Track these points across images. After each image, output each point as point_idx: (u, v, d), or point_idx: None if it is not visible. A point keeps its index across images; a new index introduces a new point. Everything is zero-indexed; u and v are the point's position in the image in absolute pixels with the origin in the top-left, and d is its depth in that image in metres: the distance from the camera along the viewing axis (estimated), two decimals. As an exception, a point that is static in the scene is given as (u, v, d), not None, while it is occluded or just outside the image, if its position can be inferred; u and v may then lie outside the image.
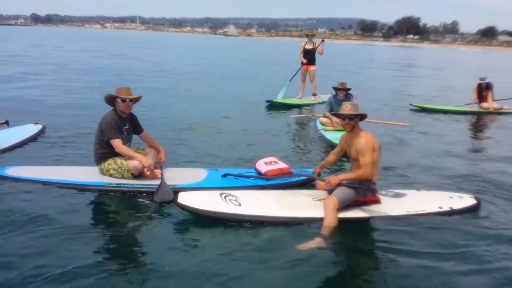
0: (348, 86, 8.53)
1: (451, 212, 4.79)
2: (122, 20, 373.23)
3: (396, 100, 14.92)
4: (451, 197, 5.08)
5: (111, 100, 5.43)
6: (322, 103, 11.97)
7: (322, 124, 8.71)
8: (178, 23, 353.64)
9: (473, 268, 3.77)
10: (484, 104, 12.55)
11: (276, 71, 23.92)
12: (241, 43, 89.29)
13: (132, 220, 4.60)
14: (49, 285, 3.32)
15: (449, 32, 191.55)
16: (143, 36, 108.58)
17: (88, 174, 5.43)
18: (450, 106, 13.06)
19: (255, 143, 7.91)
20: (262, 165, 5.56)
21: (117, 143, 5.28)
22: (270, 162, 5.60)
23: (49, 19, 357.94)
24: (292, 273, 3.64)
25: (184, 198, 4.58)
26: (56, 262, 3.60)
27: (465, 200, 5.02)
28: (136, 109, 5.70)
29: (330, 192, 4.71)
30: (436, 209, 4.80)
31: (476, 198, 5.10)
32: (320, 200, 4.79)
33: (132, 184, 5.22)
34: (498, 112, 12.38)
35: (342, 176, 4.61)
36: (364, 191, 4.66)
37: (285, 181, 5.44)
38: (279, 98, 12.67)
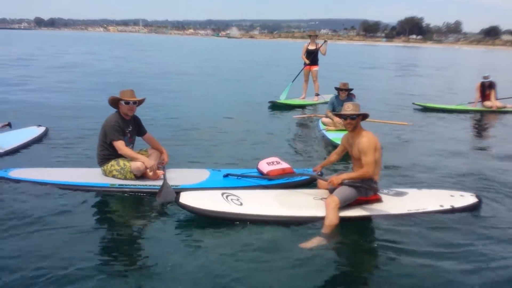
0: (350, 87, 8.54)
1: (453, 211, 4.79)
2: (125, 23, 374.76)
3: (399, 99, 14.92)
4: (452, 196, 5.07)
5: (114, 102, 5.47)
6: (325, 103, 11.97)
7: (324, 124, 8.72)
8: (181, 26, 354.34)
9: (474, 267, 3.75)
10: (487, 103, 12.52)
11: (279, 72, 23.93)
12: (243, 45, 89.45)
13: (135, 220, 4.63)
14: (52, 285, 3.33)
15: (452, 32, 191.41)
16: (146, 39, 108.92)
17: (91, 175, 5.46)
18: (453, 105, 13.04)
19: (257, 144, 7.92)
20: (265, 165, 5.57)
21: (119, 145, 5.31)
22: (273, 162, 5.62)
23: (53, 23, 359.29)
24: (294, 272, 3.64)
25: (186, 198, 4.60)
26: (59, 263, 3.61)
27: (467, 199, 5.02)
28: (139, 110, 5.72)
29: (331, 191, 4.71)
30: (437, 208, 4.79)
31: (477, 196, 5.09)
32: (321, 199, 4.80)
33: (135, 185, 5.24)
34: (501, 111, 12.35)
35: (344, 176, 4.62)
36: (365, 190, 4.66)
37: (288, 181, 5.44)
38: (282, 99, 12.69)
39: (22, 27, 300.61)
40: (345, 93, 8.49)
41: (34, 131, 7.64)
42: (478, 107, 12.64)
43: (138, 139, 5.83)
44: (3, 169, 5.61)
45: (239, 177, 5.48)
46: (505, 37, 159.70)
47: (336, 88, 8.64)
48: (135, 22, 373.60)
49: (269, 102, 12.45)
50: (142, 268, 3.69)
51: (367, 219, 4.62)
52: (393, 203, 4.78)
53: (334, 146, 7.49)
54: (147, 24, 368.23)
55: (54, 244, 3.94)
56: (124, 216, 4.76)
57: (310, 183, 5.51)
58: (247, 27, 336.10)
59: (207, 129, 9.07)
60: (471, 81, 16.79)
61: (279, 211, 4.57)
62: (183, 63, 30.69)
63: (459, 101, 13.32)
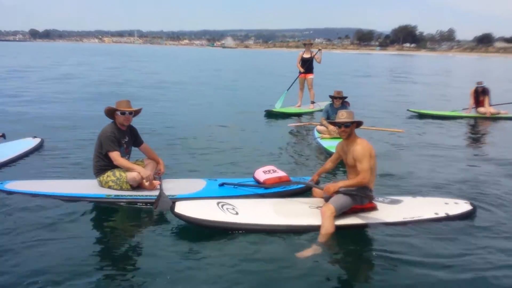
0: (344, 95, 8.59)
1: (447, 218, 4.80)
2: (120, 34, 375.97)
3: (393, 106, 15.01)
4: (446, 203, 5.09)
5: (110, 112, 5.47)
6: (320, 110, 12.01)
7: (319, 132, 8.75)
8: (176, 36, 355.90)
9: (469, 275, 3.75)
10: (481, 109, 12.61)
11: (274, 81, 24.04)
12: (238, 55, 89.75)
13: (131, 231, 4.62)
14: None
15: (445, 39, 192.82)
16: (141, 50, 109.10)
17: (87, 186, 5.45)
18: (447, 111, 13.12)
19: (253, 152, 7.93)
20: (261, 174, 5.59)
21: (115, 156, 5.30)
22: (269, 171, 5.63)
23: (48, 34, 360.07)
24: (291, 282, 3.64)
25: (181, 208, 4.59)
26: (55, 275, 3.60)
27: (461, 206, 5.03)
28: (135, 120, 5.72)
29: (327, 199, 4.72)
30: (432, 215, 4.80)
31: (471, 204, 5.10)
32: (317, 208, 4.80)
33: (131, 196, 5.24)
34: (495, 117, 12.43)
35: (340, 184, 4.64)
36: (360, 198, 4.67)
37: (284, 189, 5.45)
38: (277, 107, 12.76)
39: (17, 39, 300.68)
40: (339, 101, 8.53)
41: (29, 143, 7.61)
42: (472, 113, 12.73)
43: (134, 149, 5.83)
44: (-1, 181, 5.60)
45: (235, 186, 5.48)
46: (498, 44, 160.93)
47: (330, 96, 8.69)
48: (130, 33, 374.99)
49: (265, 111, 12.48)
50: (137, 277, 3.67)
51: (362, 228, 4.62)
52: (388, 211, 4.79)
53: (329, 154, 7.52)
54: (142, 35, 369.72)
55: (50, 255, 3.93)
56: (120, 227, 4.74)
57: (305, 191, 5.51)
58: (242, 37, 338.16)
59: (203, 138, 9.07)
60: (465, 88, 16.91)
61: (274, 220, 4.58)
62: (178, 73, 30.76)
63: (453, 108, 13.40)
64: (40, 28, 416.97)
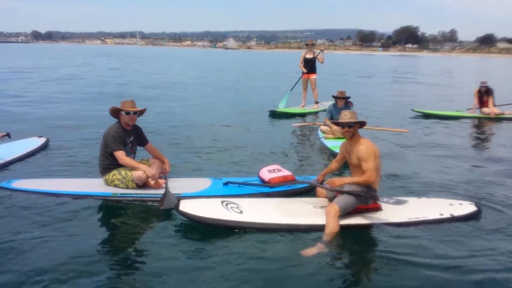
0: (347, 95, 8.59)
1: (452, 219, 4.78)
2: (122, 35, 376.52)
3: (397, 106, 15.03)
4: (451, 204, 5.07)
5: (115, 112, 5.51)
6: (325, 110, 12.06)
7: (323, 132, 8.76)
8: (178, 38, 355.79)
9: (473, 276, 3.74)
10: (485, 110, 12.57)
11: (277, 81, 24.07)
12: (241, 56, 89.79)
13: (136, 229, 4.64)
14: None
15: (447, 40, 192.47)
16: (143, 51, 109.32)
17: (93, 185, 5.49)
18: (451, 111, 13.11)
19: (257, 152, 7.95)
20: (266, 173, 5.60)
21: (120, 155, 5.33)
22: (274, 170, 5.65)
23: (50, 36, 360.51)
24: (295, 280, 3.65)
25: (186, 206, 4.62)
26: (61, 272, 3.62)
27: (466, 207, 5.01)
28: (140, 120, 5.75)
29: (331, 199, 4.73)
30: (437, 216, 4.79)
31: (476, 205, 5.09)
32: (321, 207, 4.80)
33: (137, 194, 5.27)
34: (499, 118, 12.38)
35: (346, 180, 4.64)
36: (365, 198, 4.67)
37: (288, 189, 5.46)
38: (281, 108, 12.77)
39: (20, 41, 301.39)
40: (342, 101, 8.53)
41: (35, 142, 7.66)
42: (477, 113, 12.69)
43: (140, 149, 5.86)
44: (6, 180, 5.64)
45: (240, 185, 5.50)
46: (501, 45, 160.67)
47: (334, 97, 8.69)
48: (132, 35, 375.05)
49: (269, 111, 12.49)
50: (142, 275, 3.70)
51: (367, 228, 4.61)
52: (393, 212, 4.78)
53: (333, 154, 7.54)
54: (144, 36, 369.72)
55: (56, 253, 3.95)
56: (127, 225, 4.76)
57: (310, 191, 5.52)
58: (244, 38, 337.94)
59: (207, 138, 9.12)
60: (468, 88, 16.90)
61: (278, 219, 4.58)
62: (181, 74, 30.78)
63: (457, 108, 13.39)
64: (43, 30, 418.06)
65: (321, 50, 13.22)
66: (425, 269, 3.84)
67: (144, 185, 5.40)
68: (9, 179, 5.64)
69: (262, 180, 5.59)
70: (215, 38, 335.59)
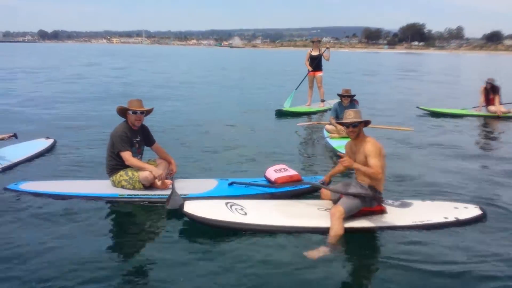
0: (352, 93, 8.57)
1: (457, 223, 4.74)
2: (128, 34, 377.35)
3: (402, 104, 15.00)
4: (456, 208, 5.04)
5: (122, 112, 5.52)
6: (331, 109, 12.07)
7: (328, 131, 8.74)
8: (183, 36, 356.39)
9: (478, 280, 3.72)
10: (491, 108, 12.45)
11: (283, 80, 24.06)
12: (246, 54, 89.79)
13: (144, 229, 4.67)
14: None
15: (454, 37, 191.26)
16: (149, 50, 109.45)
17: (100, 186, 5.52)
18: (457, 109, 13.05)
19: (263, 152, 7.96)
20: (272, 173, 5.59)
21: (126, 156, 5.35)
22: (280, 169, 5.64)
23: (56, 35, 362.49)
24: (298, 282, 3.66)
25: (190, 207, 4.64)
26: (68, 274, 3.65)
27: (471, 211, 4.97)
28: (146, 119, 5.78)
29: (335, 202, 4.72)
30: (442, 220, 4.75)
31: (481, 208, 5.05)
32: (325, 210, 4.79)
33: (144, 195, 5.30)
34: (506, 116, 12.26)
35: (356, 165, 4.55)
36: (370, 201, 4.64)
37: (294, 189, 5.45)
38: (286, 107, 12.78)
39: (26, 40, 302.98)
40: (347, 99, 8.51)
41: (42, 143, 7.69)
42: (483, 112, 12.58)
43: (146, 149, 5.89)
44: (14, 181, 5.68)
45: (246, 186, 5.51)
46: (507, 42, 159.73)
47: (339, 95, 8.66)
48: (138, 34, 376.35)
49: (276, 110, 12.47)
50: (148, 275, 3.75)
51: (371, 231, 4.59)
52: (397, 215, 4.77)
53: (337, 154, 7.51)
54: (150, 35, 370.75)
55: (64, 254, 3.99)
56: (133, 226, 4.81)
57: (314, 191, 5.51)
58: (249, 36, 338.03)
59: (213, 138, 9.16)
60: (475, 86, 16.79)
61: (283, 221, 4.59)
62: (186, 72, 30.91)
63: (463, 106, 13.32)
64: (49, 29, 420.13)
65: (327, 48, 13.19)
66: (429, 273, 3.81)
67: (150, 186, 5.42)
68: (17, 181, 5.68)
69: (269, 180, 5.59)
70: (220, 37, 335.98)
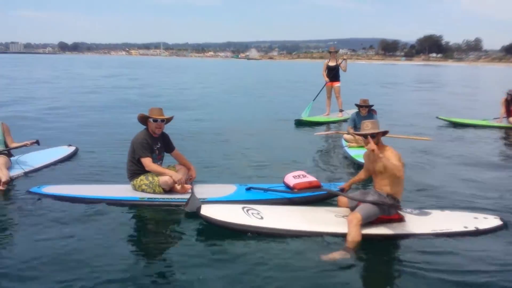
0: (370, 103, 8.57)
1: (477, 233, 4.68)
2: (146, 46, 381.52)
3: (421, 114, 14.92)
4: (475, 218, 4.97)
5: (143, 119, 5.64)
6: (349, 119, 12.05)
7: (346, 140, 8.73)
8: (201, 48, 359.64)
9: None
10: (512, 119, 12.33)
11: (300, 91, 24.15)
12: (263, 66, 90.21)
13: (162, 232, 4.75)
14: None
15: (472, 49, 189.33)
16: (167, 62, 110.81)
17: (121, 190, 5.62)
18: (478, 120, 12.92)
19: (282, 160, 7.99)
20: (291, 179, 5.62)
21: (147, 162, 5.45)
22: (299, 176, 5.66)
23: (76, 47, 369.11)
24: (314, 286, 3.67)
25: (207, 210, 4.70)
26: (89, 275, 3.71)
27: (491, 221, 4.90)
28: (167, 127, 5.87)
29: (353, 209, 4.69)
30: (461, 229, 4.69)
31: (501, 219, 4.98)
32: (343, 217, 4.78)
33: (163, 198, 5.38)
34: None
35: (378, 152, 4.49)
36: (388, 209, 4.62)
37: (311, 195, 5.44)
38: (304, 117, 12.81)
39: (47, 52, 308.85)
40: (365, 109, 8.50)
41: (64, 150, 7.82)
42: (504, 123, 12.40)
43: (166, 155, 5.97)
44: (36, 185, 5.81)
45: (264, 191, 5.55)
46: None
47: (357, 105, 8.67)
48: (156, 46, 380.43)
49: (295, 120, 12.53)
50: (167, 277, 3.80)
51: (389, 238, 4.55)
52: (416, 223, 4.73)
53: (356, 163, 7.52)
54: (168, 47, 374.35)
55: (85, 255, 4.06)
56: (152, 228, 4.89)
57: (331, 198, 5.49)
58: (266, 48, 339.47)
59: (233, 146, 9.29)
60: (495, 97, 16.61)
61: (299, 226, 4.60)
62: (205, 83, 31.23)
63: (483, 117, 13.19)
64: (69, 41, 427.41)
65: (344, 59, 13.26)
66: (446, 282, 3.76)
67: (170, 190, 5.51)
68: (40, 185, 5.81)
69: (287, 186, 5.61)
70: (237, 49, 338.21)
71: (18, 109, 14.46)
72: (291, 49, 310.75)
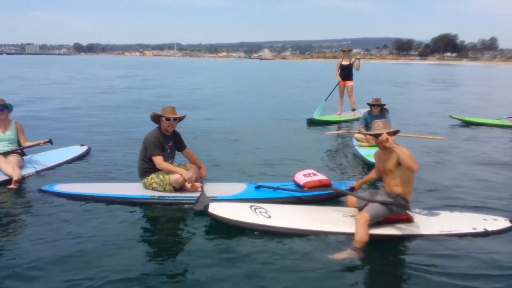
0: (383, 102, 8.50)
1: (486, 234, 4.63)
2: (160, 47, 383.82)
3: (434, 113, 14.83)
4: (485, 219, 4.91)
5: (156, 118, 5.69)
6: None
7: (357, 140, 8.67)
8: (214, 49, 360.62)
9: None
10: (526, 119, 12.15)
11: (312, 90, 24.12)
12: (276, 66, 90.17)
13: (172, 230, 4.79)
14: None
15: (487, 48, 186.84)
16: (181, 62, 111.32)
17: (132, 188, 5.66)
18: (491, 119, 12.78)
19: (292, 159, 7.99)
20: (301, 177, 5.61)
21: (158, 160, 5.50)
22: (309, 174, 5.65)
23: (91, 48, 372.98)
24: (321, 284, 3.67)
25: (215, 208, 4.73)
26: (99, 271, 3.74)
27: (500, 223, 4.85)
28: (179, 126, 5.90)
29: (361, 209, 4.65)
30: (470, 230, 4.65)
31: (511, 221, 4.91)
32: (351, 216, 4.76)
33: (173, 196, 5.41)
34: None
35: (396, 146, 4.41)
36: (396, 209, 4.57)
37: (319, 193, 5.42)
38: (316, 116, 12.79)
39: (62, 53, 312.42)
40: (377, 108, 8.42)
41: (77, 150, 7.89)
42: (517, 122, 12.28)
43: (177, 154, 6.01)
44: (48, 183, 5.89)
45: (274, 190, 5.55)
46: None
47: (369, 104, 8.60)
48: (170, 46, 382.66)
49: (308, 119, 12.55)
50: (175, 276, 3.80)
51: (397, 238, 4.52)
52: (424, 223, 4.70)
53: (366, 162, 7.48)
54: (181, 48, 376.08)
55: (96, 252, 4.11)
56: (162, 226, 4.91)
57: (340, 196, 5.47)
58: (279, 48, 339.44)
59: (243, 145, 9.31)
60: (510, 96, 16.41)
61: (306, 225, 4.59)
62: (218, 83, 31.37)
63: (497, 116, 13.03)
64: (84, 42, 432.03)
65: (357, 59, 13.25)
66: (454, 282, 3.72)
67: (181, 188, 5.53)
68: (52, 183, 5.88)
69: (297, 184, 5.60)
70: (250, 49, 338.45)
71: (32, 108, 14.64)
72: (304, 49, 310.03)
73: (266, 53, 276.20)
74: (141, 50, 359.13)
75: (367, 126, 8.22)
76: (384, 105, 8.55)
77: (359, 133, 8.60)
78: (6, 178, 6.05)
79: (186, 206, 5.29)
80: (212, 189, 5.53)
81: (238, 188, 5.68)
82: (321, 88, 20.98)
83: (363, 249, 4.21)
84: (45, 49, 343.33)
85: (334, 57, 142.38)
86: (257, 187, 5.63)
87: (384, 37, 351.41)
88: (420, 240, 4.50)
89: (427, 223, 4.70)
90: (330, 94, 13.60)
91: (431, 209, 5.17)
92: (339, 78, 13.22)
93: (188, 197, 5.37)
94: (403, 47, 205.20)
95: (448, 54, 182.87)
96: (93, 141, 8.84)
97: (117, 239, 4.41)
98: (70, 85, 26.34)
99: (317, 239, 4.42)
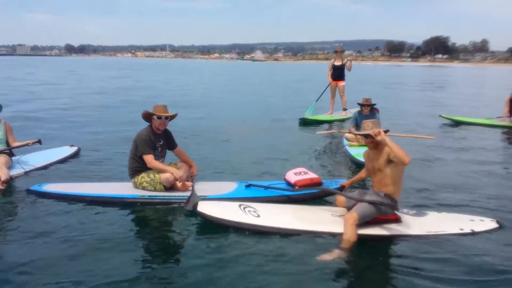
0: (373, 102, 8.54)
1: (473, 234, 4.66)
2: (152, 48, 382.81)
3: (424, 113, 14.94)
4: (472, 220, 4.94)
5: (147, 116, 5.66)
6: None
7: (348, 139, 8.70)
8: (206, 50, 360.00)
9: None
10: (515, 119, 12.24)
11: (304, 91, 24.15)
12: (268, 67, 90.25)
13: (162, 230, 4.77)
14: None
15: (478, 50, 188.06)
16: (173, 63, 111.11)
17: (122, 188, 5.63)
18: (481, 118, 12.87)
19: (284, 158, 8.00)
20: (292, 176, 5.63)
21: (149, 159, 5.47)
22: (300, 172, 5.67)
23: (82, 49, 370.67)
24: (308, 284, 3.68)
25: (203, 207, 4.73)
26: (89, 275, 3.69)
27: (487, 224, 4.87)
28: (170, 124, 5.88)
29: (349, 209, 4.66)
30: (457, 231, 4.68)
31: (498, 221, 4.94)
32: (339, 216, 4.76)
33: (164, 196, 5.39)
34: None
35: (388, 140, 4.42)
36: (385, 209, 4.58)
37: (309, 192, 5.43)
38: (307, 116, 12.84)
39: (53, 54, 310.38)
40: (368, 108, 8.47)
41: (66, 150, 7.82)
42: (507, 122, 12.34)
43: (168, 153, 5.99)
44: (37, 184, 5.83)
45: (263, 188, 5.55)
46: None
47: (359, 104, 8.65)
48: (162, 48, 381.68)
49: (300, 119, 12.63)
50: (166, 277, 3.77)
51: (385, 238, 4.53)
52: (412, 224, 4.72)
53: (355, 162, 7.51)
54: (174, 49, 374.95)
55: (84, 254, 4.06)
56: (152, 227, 4.88)
57: (330, 195, 5.44)
58: (271, 50, 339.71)
59: (234, 144, 9.33)
60: (499, 96, 16.52)
61: (295, 225, 4.59)
62: (209, 83, 31.32)
63: (486, 115, 13.13)
64: (75, 43, 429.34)
65: (349, 60, 13.41)
66: (441, 284, 3.72)
67: (171, 187, 5.52)
68: (40, 183, 5.82)
69: (289, 183, 5.62)
70: (242, 51, 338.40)
71: (22, 109, 14.54)
72: (296, 51, 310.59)
73: (258, 54, 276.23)
74: (133, 51, 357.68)
75: (358, 126, 8.25)
76: (374, 105, 8.61)
77: (350, 132, 8.63)
78: (-7, 178, 5.98)
79: (176, 205, 5.26)
80: (203, 188, 5.51)
81: (229, 187, 5.68)
82: (312, 89, 21.00)
83: (351, 249, 4.20)
84: (36, 50, 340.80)
85: (326, 59, 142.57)
86: (248, 186, 5.63)
87: (376, 39, 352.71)
88: (408, 240, 4.50)
89: (415, 224, 4.72)
90: (321, 95, 13.67)
91: (419, 209, 5.19)
92: (330, 79, 13.32)
93: (179, 196, 5.35)
94: (395, 49, 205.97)
95: (440, 56, 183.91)
96: (83, 141, 8.80)
97: (107, 239, 4.37)
98: (60, 85, 26.21)
99: (305, 239, 4.41)
